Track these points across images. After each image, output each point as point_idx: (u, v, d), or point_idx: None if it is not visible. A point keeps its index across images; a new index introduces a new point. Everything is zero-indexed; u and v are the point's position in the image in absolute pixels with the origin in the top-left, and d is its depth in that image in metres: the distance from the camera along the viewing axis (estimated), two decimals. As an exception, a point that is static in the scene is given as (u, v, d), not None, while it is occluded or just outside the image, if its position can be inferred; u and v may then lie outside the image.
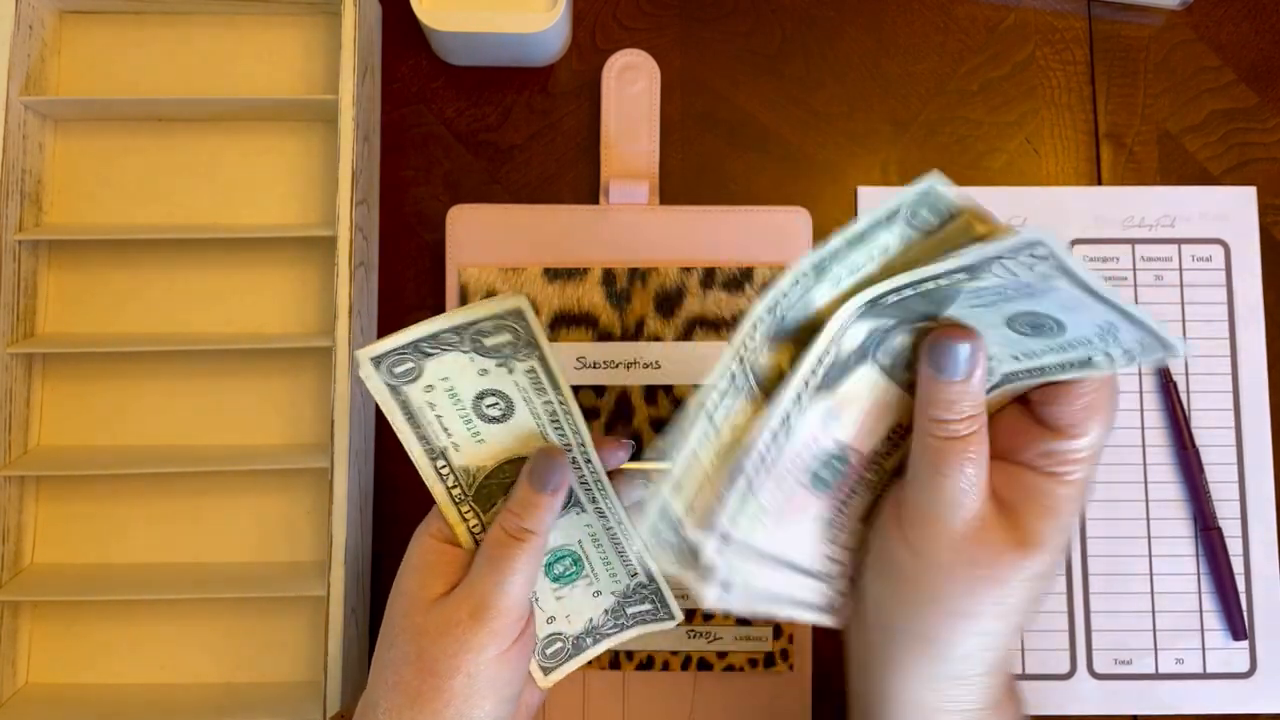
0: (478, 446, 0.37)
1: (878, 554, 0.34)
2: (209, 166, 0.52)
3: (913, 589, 0.32)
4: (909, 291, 0.30)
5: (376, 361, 0.34)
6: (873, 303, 0.30)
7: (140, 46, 0.52)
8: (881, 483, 0.35)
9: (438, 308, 0.52)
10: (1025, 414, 0.33)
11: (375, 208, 0.53)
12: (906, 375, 0.33)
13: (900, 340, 0.33)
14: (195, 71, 0.52)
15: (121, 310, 0.51)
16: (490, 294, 0.51)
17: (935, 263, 0.29)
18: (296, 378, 0.51)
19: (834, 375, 0.32)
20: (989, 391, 0.33)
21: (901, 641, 0.33)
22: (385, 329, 0.52)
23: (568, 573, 0.41)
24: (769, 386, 0.32)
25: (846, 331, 0.31)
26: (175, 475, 0.50)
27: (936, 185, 0.29)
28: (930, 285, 0.29)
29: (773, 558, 0.34)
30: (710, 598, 0.32)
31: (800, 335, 0.32)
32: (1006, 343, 0.32)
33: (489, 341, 0.34)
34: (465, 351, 0.35)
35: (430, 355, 0.34)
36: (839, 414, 0.33)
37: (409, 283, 0.53)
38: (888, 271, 0.31)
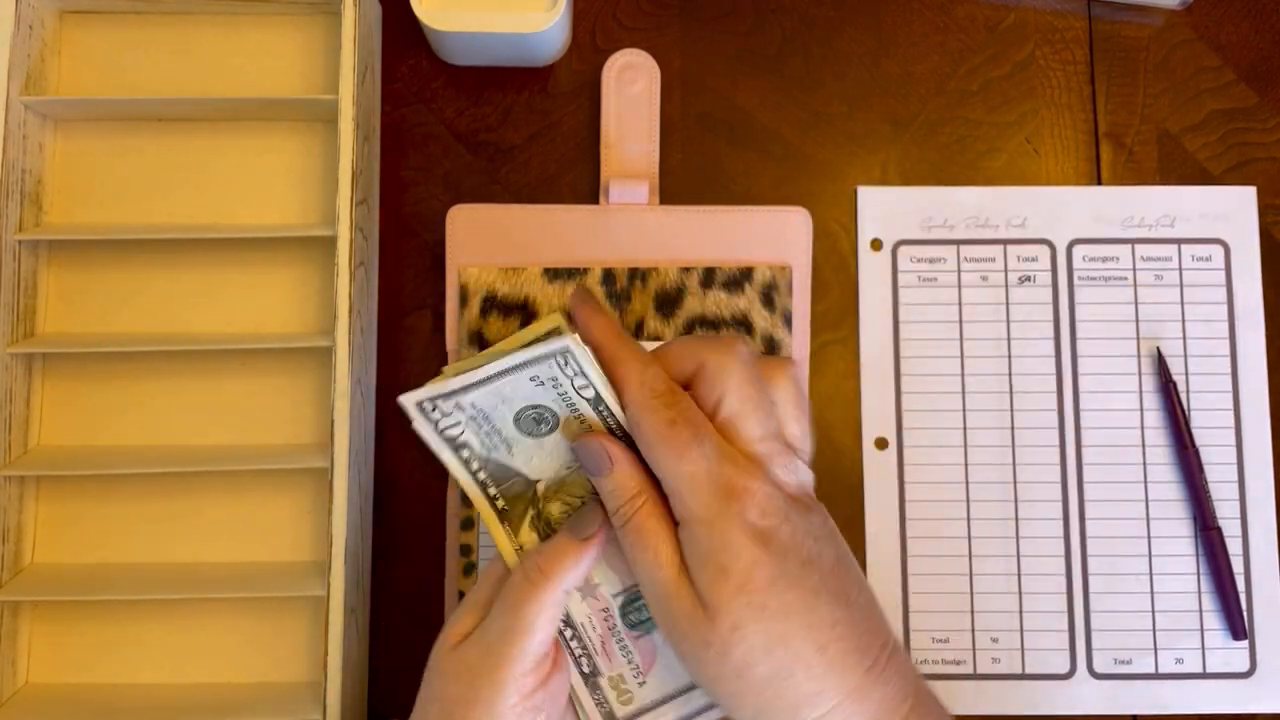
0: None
1: None
2: (209, 166, 0.52)
3: (690, 670, 0.33)
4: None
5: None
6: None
7: (140, 46, 0.52)
8: None
9: (438, 308, 0.52)
10: None
11: (375, 208, 0.53)
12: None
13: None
14: (195, 71, 0.52)
15: (121, 310, 0.51)
16: (490, 294, 0.51)
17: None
18: (296, 378, 0.51)
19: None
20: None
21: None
22: (385, 329, 0.52)
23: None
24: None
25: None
26: (175, 475, 0.50)
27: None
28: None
29: (666, 698, 0.36)
30: None
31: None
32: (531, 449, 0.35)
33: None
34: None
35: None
36: (591, 583, 0.36)
37: (409, 283, 0.53)
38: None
